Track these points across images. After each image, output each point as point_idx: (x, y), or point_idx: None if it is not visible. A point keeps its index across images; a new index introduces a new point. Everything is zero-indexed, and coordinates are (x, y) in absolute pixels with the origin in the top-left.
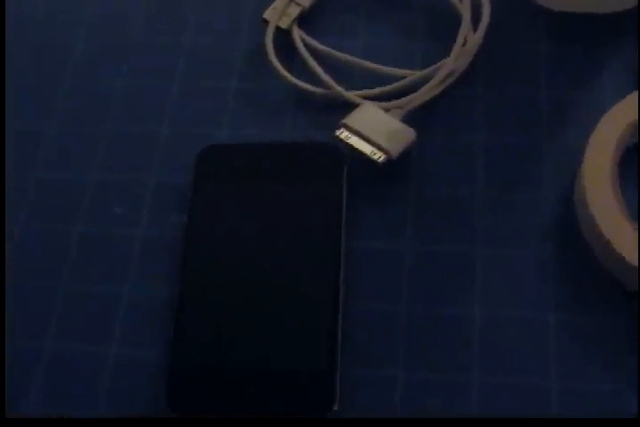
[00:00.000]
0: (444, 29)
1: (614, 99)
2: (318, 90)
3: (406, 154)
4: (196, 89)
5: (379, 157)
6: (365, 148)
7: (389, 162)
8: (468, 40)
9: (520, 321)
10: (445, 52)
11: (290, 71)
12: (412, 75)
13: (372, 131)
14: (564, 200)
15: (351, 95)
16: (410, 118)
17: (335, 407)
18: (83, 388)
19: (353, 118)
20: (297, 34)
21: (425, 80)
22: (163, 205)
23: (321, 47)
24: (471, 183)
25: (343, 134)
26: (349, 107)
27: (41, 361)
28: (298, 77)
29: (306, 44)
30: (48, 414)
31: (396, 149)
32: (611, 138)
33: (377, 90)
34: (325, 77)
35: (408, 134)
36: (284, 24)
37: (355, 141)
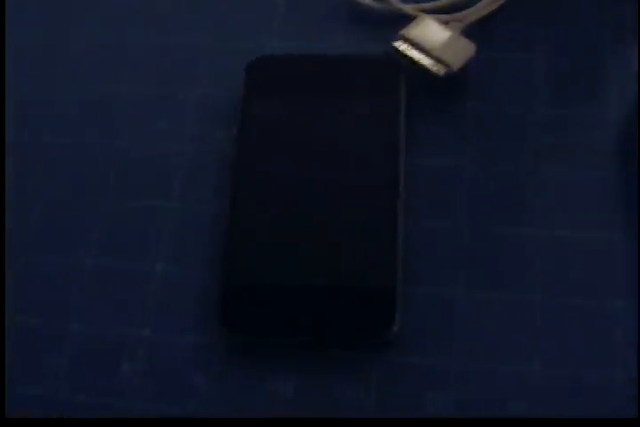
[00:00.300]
0: None
1: None
2: (374, 2)
3: (465, 69)
4: None
5: (439, 69)
6: (425, 60)
7: (448, 76)
8: None
9: (584, 242)
10: None
11: None
12: None
13: (432, 43)
14: (630, 119)
15: (408, 8)
16: (468, 33)
17: (395, 328)
18: (129, 306)
19: (412, 30)
20: None
21: None
22: (210, 119)
23: None
24: (531, 101)
25: (402, 46)
26: (405, 20)
27: (83, 279)
28: None
29: None
30: (48, 414)
31: (456, 61)
32: None
33: (434, 3)
34: None
35: (469, 47)
36: None
37: (414, 54)
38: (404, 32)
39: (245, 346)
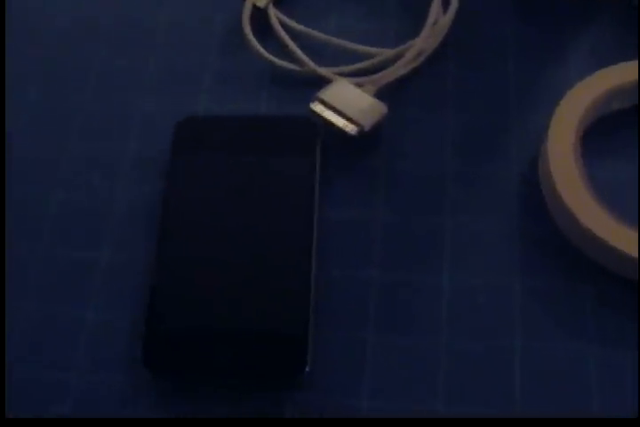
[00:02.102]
0: (415, 9)
1: (579, 77)
2: (293, 66)
3: (378, 128)
4: (173, 64)
5: (351, 129)
6: (339, 120)
7: (362, 135)
8: (439, 21)
9: (487, 288)
10: (416, 32)
11: (266, 48)
12: (384, 53)
13: (346, 104)
14: (530, 173)
15: (325, 71)
16: (382, 95)
17: (307, 369)
18: (61, 350)
19: (327, 92)
20: (273, 13)
21: (397, 58)
22: (140, 175)
23: (296, 26)
24: (440, 157)
25: (318, 107)
26: (323, 83)
27: (19, 323)
28: (274, 55)
29: (281, 23)
30: (47, 414)
31: (368, 121)
32: (574, 114)
33: (350, 67)
34: (300, 54)
35: (380, 108)
36: (260, 3)
37: (329, 114)
38: (320, 94)
39: (169, 385)
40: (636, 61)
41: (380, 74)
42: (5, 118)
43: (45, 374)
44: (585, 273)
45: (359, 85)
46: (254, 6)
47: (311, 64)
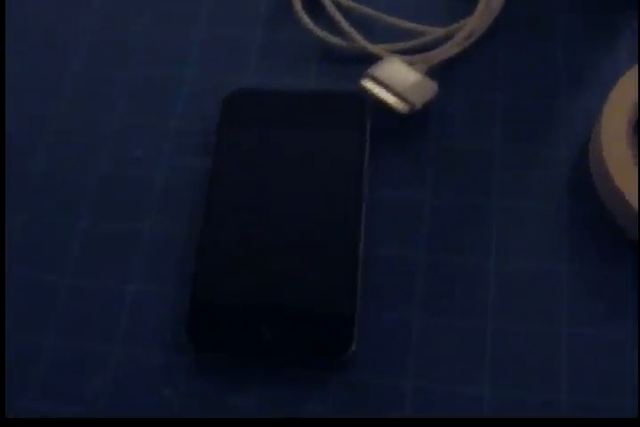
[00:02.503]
0: None
1: (630, 60)
2: (343, 42)
3: (428, 107)
4: (221, 36)
5: (402, 106)
6: (390, 97)
7: (412, 114)
8: (492, 1)
9: (534, 271)
10: (468, 12)
11: (316, 24)
12: (435, 31)
13: (397, 82)
14: (580, 157)
15: (375, 48)
16: (432, 74)
17: (353, 348)
18: (100, 324)
19: (378, 69)
20: None
21: (448, 37)
22: (186, 149)
23: (346, 1)
24: (489, 139)
25: (368, 84)
26: (373, 60)
27: (59, 297)
28: (323, 30)
29: None
30: (47, 414)
31: (419, 100)
32: (629, 97)
33: (401, 44)
34: (350, 30)
35: (431, 87)
36: None
37: (379, 91)
38: (371, 71)
39: (212, 362)
40: None
41: (432, 52)
42: (49, 91)
43: (87, 346)
44: (633, 260)
45: (410, 64)
46: None
47: (361, 40)
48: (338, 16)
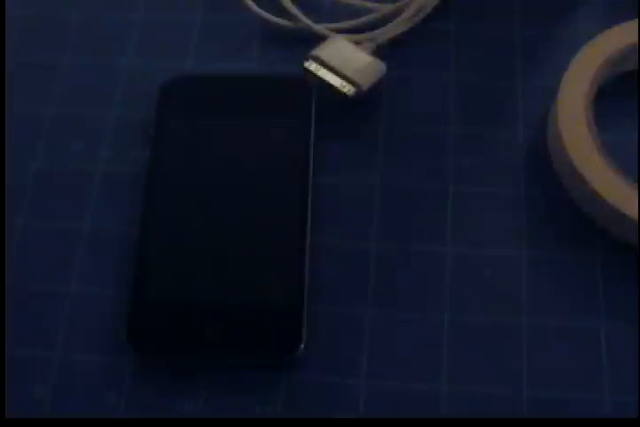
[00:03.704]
0: None
1: (587, 35)
2: (286, 22)
3: (376, 89)
4: (160, 20)
5: (348, 89)
6: (335, 80)
7: (359, 96)
8: None
9: (492, 259)
10: None
11: (257, 3)
12: (383, 8)
13: (342, 63)
14: (537, 137)
15: (320, 28)
16: (379, 54)
17: (302, 346)
18: (40, 328)
19: (322, 50)
20: None
21: (396, 14)
22: (124, 139)
23: None
24: (442, 120)
25: (312, 66)
26: (318, 40)
27: None
28: (265, 10)
29: None
30: (48, 414)
31: (366, 81)
32: (585, 72)
33: (346, 23)
34: (293, 10)
35: (379, 67)
36: None
37: (324, 73)
38: (315, 52)
39: (155, 365)
40: None
41: (379, 31)
42: None
43: (27, 352)
44: (596, 244)
45: (356, 43)
46: None
47: (305, 20)
48: None
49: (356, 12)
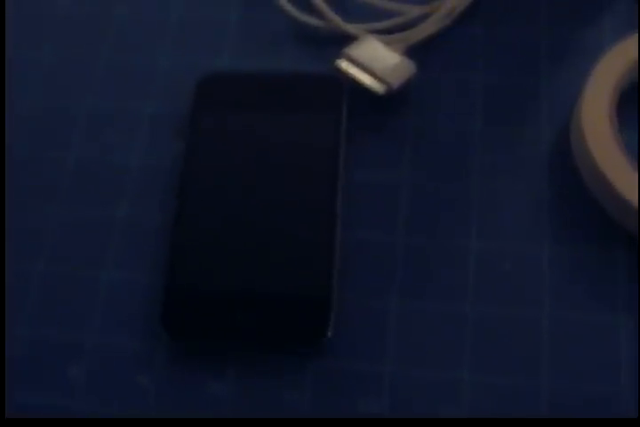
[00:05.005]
0: None
1: (614, 39)
2: (318, 22)
3: (405, 88)
4: (194, 19)
5: (379, 87)
6: (366, 78)
7: (389, 95)
8: None
9: (515, 254)
10: None
11: (290, 3)
12: (413, 10)
13: (373, 62)
14: (561, 137)
15: (352, 28)
16: (410, 53)
17: (329, 334)
18: (75, 312)
19: (354, 49)
20: None
21: (426, 16)
22: (159, 133)
23: None
24: (468, 119)
25: (344, 64)
26: (349, 40)
27: (32, 285)
28: (298, 10)
29: None
30: (48, 414)
31: (396, 80)
32: (610, 75)
33: (378, 23)
34: (326, 9)
35: (409, 67)
36: None
37: (355, 72)
38: (347, 51)
39: (187, 349)
40: None
41: (409, 32)
42: (18, 76)
43: (61, 334)
44: (617, 242)
45: (387, 43)
46: None
47: (337, 20)
48: None
49: (386, 14)
